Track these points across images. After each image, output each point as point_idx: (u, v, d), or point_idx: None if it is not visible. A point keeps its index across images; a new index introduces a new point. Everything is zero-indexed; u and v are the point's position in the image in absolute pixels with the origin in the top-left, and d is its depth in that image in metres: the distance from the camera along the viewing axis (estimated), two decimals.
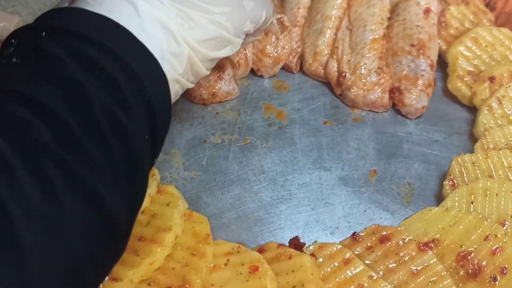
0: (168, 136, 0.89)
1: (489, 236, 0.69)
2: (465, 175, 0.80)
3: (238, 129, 0.92)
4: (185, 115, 0.94)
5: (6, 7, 1.11)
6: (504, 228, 0.71)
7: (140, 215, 0.73)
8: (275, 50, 0.96)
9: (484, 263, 0.68)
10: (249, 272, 0.66)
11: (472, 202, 0.75)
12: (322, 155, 0.88)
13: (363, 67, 0.91)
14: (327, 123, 0.93)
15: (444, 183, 0.80)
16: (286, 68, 1.00)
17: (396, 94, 0.91)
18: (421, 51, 0.91)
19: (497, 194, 0.74)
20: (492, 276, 0.67)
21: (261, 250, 0.72)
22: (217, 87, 0.92)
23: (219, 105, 0.95)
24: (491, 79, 0.90)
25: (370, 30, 0.93)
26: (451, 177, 0.80)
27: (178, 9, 0.57)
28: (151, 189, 0.76)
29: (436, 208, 0.74)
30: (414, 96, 0.90)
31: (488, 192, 0.75)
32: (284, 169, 0.87)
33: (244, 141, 0.90)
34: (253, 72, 1.00)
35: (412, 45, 0.93)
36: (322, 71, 0.96)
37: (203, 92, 0.91)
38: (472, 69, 0.93)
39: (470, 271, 0.67)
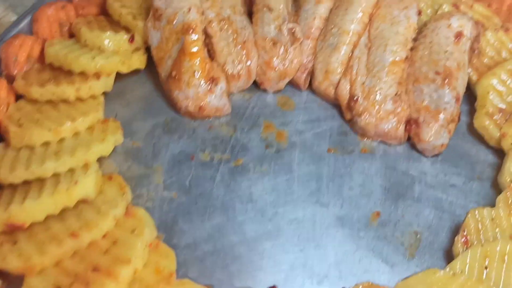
0: (153, 147, 0.81)
1: None
2: (481, 232, 0.68)
3: (231, 147, 0.83)
4: (175, 125, 0.85)
5: None
6: None
7: (101, 239, 0.65)
8: (282, 63, 0.86)
9: None
10: None
11: (486, 268, 0.63)
12: (320, 187, 0.78)
13: (378, 92, 0.81)
14: (332, 151, 0.83)
15: (456, 238, 0.69)
16: (293, 84, 0.90)
17: (413, 126, 0.80)
18: (447, 80, 0.79)
19: None
20: None
21: None
22: (206, 101, 0.82)
23: (214, 117, 0.86)
24: None
25: (391, 51, 0.82)
26: (465, 233, 0.69)
27: None
28: (118, 210, 0.67)
29: (442, 272, 0.63)
30: (433, 131, 0.78)
31: (506, 258, 0.63)
32: (275, 200, 0.77)
33: (236, 162, 0.81)
34: (256, 84, 0.90)
35: (437, 73, 0.81)
36: (333, 91, 0.86)
37: (190, 104, 0.82)
38: (504, 107, 0.81)
39: None
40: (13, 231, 0.65)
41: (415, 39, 0.85)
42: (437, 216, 0.75)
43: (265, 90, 0.90)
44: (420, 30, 0.86)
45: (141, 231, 0.64)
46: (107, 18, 0.94)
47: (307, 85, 0.90)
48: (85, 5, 0.95)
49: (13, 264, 0.62)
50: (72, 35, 0.91)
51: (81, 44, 0.87)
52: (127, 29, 0.90)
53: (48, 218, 0.66)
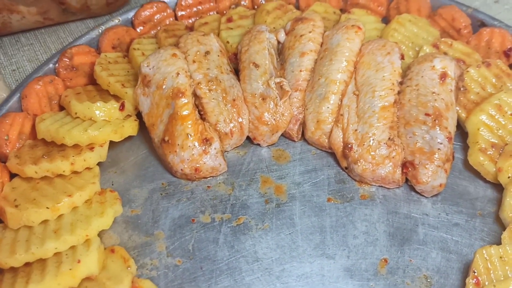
0: (152, 214, 0.81)
1: None
2: (491, 272, 0.68)
3: (231, 206, 0.82)
4: (173, 189, 0.84)
5: (24, 44, 1.09)
6: None
7: None
8: (274, 117, 0.87)
9: None
10: None
11: None
12: (325, 239, 0.77)
13: (371, 138, 0.81)
14: (331, 200, 0.82)
15: (467, 280, 0.69)
16: (286, 136, 0.91)
17: (410, 169, 0.80)
18: (437, 121, 0.81)
19: None
20: None
21: None
22: (201, 162, 0.82)
23: (211, 177, 0.86)
24: None
25: (380, 97, 0.84)
26: (475, 273, 0.68)
27: None
28: (123, 285, 0.65)
29: None
30: (430, 173, 0.79)
31: None
32: (281, 256, 0.76)
33: (237, 221, 0.80)
34: (250, 140, 0.91)
35: (427, 114, 0.83)
36: (326, 140, 0.87)
37: (185, 166, 0.82)
38: (496, 141, 0.83)
39: None
40: None
41: (401, 83, 0.87)
42: (445, 258, 0.75)
43: (259, 145, 0.90)
44: (405, 73, 0.88)
45: None
46: (96, 87, 0.95)
47: (300, 136, 0.91)
48: (73, 77, 0.96)
49: None
50: (62, 107, 0.92)
51: (72, 117, 0.87)
52: (116, 97, 0.90)
53: None
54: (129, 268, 0.69)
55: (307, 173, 0.86)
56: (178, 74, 0.85)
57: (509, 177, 0.79)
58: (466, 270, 0.72)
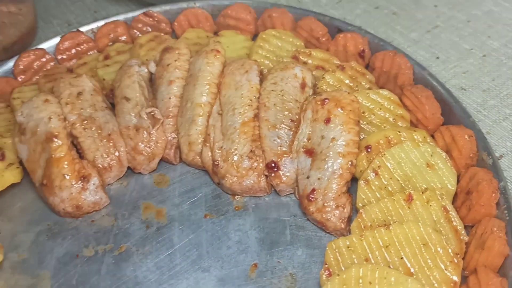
0: (38, 255, 0.84)
1: None
2: (340, 261, 0.75)
3: (114, 236, 0.87)
4: (58, 228, 0.88)
5: None
6: None
7: None
8: (148, 146, 0.92)
9: None
10: None
11: None
12: (201, 254, 0.83)
13: (234, 153, 0.88)
14: (208, 216, 0.88)
15: (321, 272, 0.75)
16: (165, 161, 0.96)
17: (275, 169, 0.86)
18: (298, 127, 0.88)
19: (370, 283, 0.69)
20: None
21: None
22: (81, 199, 0.87)
23: (94, 212, 0.90)
24: (367, 148, 0.87)
25: (239, 113, 0.90)
26: (327, 265, 0.75)
27: None
28: None
29: None
30: (292, 171, 0.86)
31: (361, 281, 0.69)
32: (159, 277, 0.81)
33: (119, 250, 0.85)
34: (132, 170, 0.95)
35: (292, 121, 0.90)
36: (200, 160, 0.92)
37: (66, 206, 0.86)
38: None
39: None
40: None
41: (263, 88, 0.92)
42: (309, 254, 0.81)
43: (140, 173, 0.95)
44: (266, 77, 0.94)
45: None
46: None
47: (178, 159, 0.96)
48: None
49: None
50: None
51: None
52: None
53: None
54: None
55: (186, 194, 0.92)
56: (50, 118, 0.90)
57: (361, 171, 0.86)
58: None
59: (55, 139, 0.88)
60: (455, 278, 0.70)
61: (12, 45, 1.18)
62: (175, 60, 0.99)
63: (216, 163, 0.89)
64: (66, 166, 0.87)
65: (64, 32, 1.14)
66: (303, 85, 0.93)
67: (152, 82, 1.02)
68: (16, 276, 0.82)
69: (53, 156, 0.87)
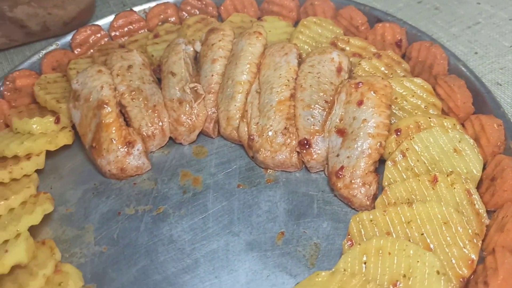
0: (84, 211, 0.92)
1: None
2: (363, 233, 0.79)
3: (153, 198, 0.93)
4: (103, 188, 0.96)
5: None
6: (396, 286, 0.70)
7: None
8: (190, 118, 0.99)
9: None
10: None
11: (364, 263, 0.73)
12: (232, 220, 0.89)
13: (269, 129, 0.93)
14: (241, 186, 0.94)
15: (343, 242, 0.79)
16: (205, 134, 1.03)
17: (307, 146, 0.91)
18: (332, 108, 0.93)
19: (390, 253, 0.73)
20: None
21: None
22: (126, 162, 0.94)
23: (137, 175, 0.97)
24: (397, 131, 0.90)
25: (276, 92, 0.95)
26: (349, 236, 0.79)
27: None
28: (47, 269, 0.77)
29: (323, 273, 0.73)
30: (323, 149, 0.90)
31: (380, 252, 0.73)
32: (193, 237, 0.87)
33: (157, 211, 0.91)
34: (173, 140, 1.02)
35: (326, 102, 0.94)
36: (237, 134, 0.98)
37: (112, 168, 0.94)
38: None
39: None
40: None
41: (301, 70, 0.97)
42: (334, 227, 0.86)
43: (181, 144, 1.02)
44: (305, 60, 0.99)
45: (67, 283, 0.74)
46: (38, 106, 1.07)
47: (216, 133, 1.02)
48: (17, 98, 1.08)
49: None
50: (7, 125, 1.04)
51: (14, 132, 0.99)
52: (54, 113, 1.02)
53: None
54: (53, 256, 0.80)
55: (221, 165, 0.98)
56: (102, 87, 0.97)
57: (389, 153, 0.89)
58: None
59: (106, 106, 0.95)
60: (473, 256, 0.73)
61: (71, 20, 1.27)
62: (220, 40, 1.05)
63: (251, 137, 0.94)
64: (114, 132, 0.94)
65: (119, 12, 1.22)
66: (339, 69, 0.98)
67: (197, 60, 1.08)
68: (64, 227, 0.90)
69: (103, 121, 0.95)
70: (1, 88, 1.08)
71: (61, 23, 1.27)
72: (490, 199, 0.81)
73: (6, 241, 0.81)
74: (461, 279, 0.72)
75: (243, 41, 1.02)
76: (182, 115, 0.99)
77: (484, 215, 0.79)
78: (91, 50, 1.18)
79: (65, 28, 1.29)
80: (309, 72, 0.97)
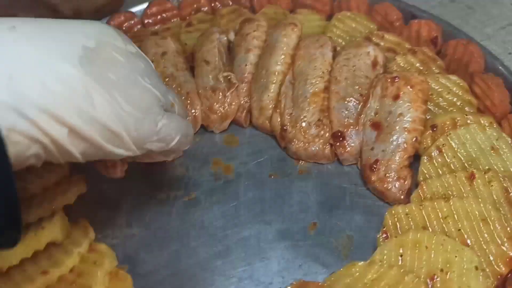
0: (116, 193, 0.93)
1: None
2: (398, 227, 0.78)
3: (185, 184, 0.94)
4: (135, 172, 0.96)
5: None
6: (431, 282, 0.69)
7: (68, 273, 0.75)
8: (222, 107, 0.99)
9: None
10: None
11: (401, 255, 0.73)
12: (264, 208, 0.89)
13: (303, 120, 0.93)
14: (272, 176, 0.94)
15: (378, 235, 0.79)
16: (236, 123, 1.03)
17: (340, 138, 0.91)
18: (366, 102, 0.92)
19: (427, 247, 0.72)
20: None
21: None
22: None
23: (168, 162, 0.98)
24: (433, 127, 0.89)
25: (311, 84, 0.95)
26: (384, 229, 0.79)
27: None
28: (82, 247, 0.77)
29: (360, 263, 0.72)
30: (357, 142, 0.90)
31: (417, 245, 0.73)
32: (224, 224, 0.87)
33: (189, 196, 0.92)
34: (205, 128, 1.02)
35: (361, 95, 0.94)
36: (269, 124, 0.98)
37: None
38: None
39: None
40: None
41: (336, 63, 0.97)
42: (367, 220, 0.85)
43: (212, 132, 1.02)
44: (340, 52, 0.99)
45: (102, 262, 0.75)
46: None
47: (248, 122, 1.02)
48: None
49: None
50: None
51: None
52: None
53: (23, 260, 0.76)
54: (88, 235, 0.80)
55: (253, 154, 0.98)
56: None
57: (424, 148, 0.89)
58: None
59: None
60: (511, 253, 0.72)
61: (103, 7, 1.28)
62: (254, 31, 1.05)
63: (284, 128, 0.94)
64: None
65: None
66: (374, 63, 0.97)
67: (230, 50, 1.09)
68: (96, 209, 0.91)
69: None
70: None
71: (93, 9, 1.27)
72: None
73: (40, 219, 0.81)
74: (498, 276, 0.71)
75: (278, 31, 1.02)
76: (215, 103, 0.99)
77: None
78: None
79: (96, 14, 1.29)
80: (344, 65, 0.96)
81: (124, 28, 1.18)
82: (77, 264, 0.76)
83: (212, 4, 1.22)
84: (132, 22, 1.19)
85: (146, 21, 1.20)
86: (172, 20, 1.21)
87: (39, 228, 0.77)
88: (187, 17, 1.21)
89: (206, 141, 1.01)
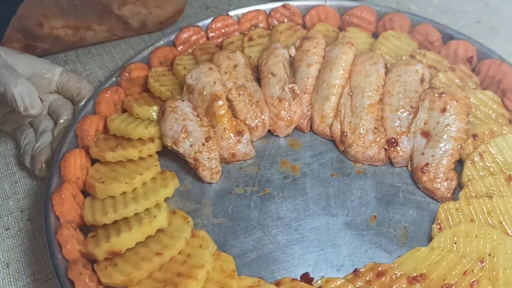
0: (199, 188, 1.08)
1: (467, 271, 0.83)
2: (450, 219, 0.94)
3: (258, 181, 1.09)
4: None
5: (95, 54, 1.42)
6: (482, 264, 0.85)
7: (178, 255, 0.89)
8: (288, 114, 1.14)
9: None
10: None
11: (455, 243, 0.89)
12: (330, 203, 1.04)
13: (361, 128, 1.08)
14: (334, 175, 1.09)
15: (433, 226, 0.95)
16: (298, 129, 1.18)
17: (394, 144, 1.06)
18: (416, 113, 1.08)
19: (476, 236, 0.88)
20: None
21: (277, 284, 0.87)
22: (236, 149, 1.09)
23: (243, 161, 1.12)
24: (474, 136, 1.05)
25: (368, 96, 1.10)
26: (438, 221, 0.94)
27: None
28: (186, 233, 0.92)
29: (424, 248, 0.88)
30: (409, 147, 1.06)
31: (469, 234, 0.89)
32: (297, 216, 1.02)
33: (264, 192, 1.06)
34: (270, 132, 1.17)
35: (412, 107, 1.09)
36: (329, 131, 1.13)
37: (224, 152, 1.09)
38: None
39: None
40: (113, 256, 0.90)
41: (388, 79, 1.12)
42: (419, 214, 1.01)
43: (277, 136, 1.17)
44: (391, 69, 1.14)
45: (207, 245, 0.89)
46: (149, 94, 1.21)
47: (309, 128, 1.17)
48: (131, 87, 1.23)
49: (118, 279, 0.86)
50: (124, 110, 1.19)
51: (134, 117, 1.14)
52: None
53: (136, 244, 0.91)
54: (188, 223, 0.95)
55: (315, 156, 1.13)
56: (214, 83, 1.12)
57: (466, 154, 1.05)
58: (433, 221, 0.98)
59: (219, 99, 1.11)
60: None
61: (166, 20, 1.42)
62: (314, 47, 1.20)
63: (345, 134, 1.09)
64: (226, 122, 1.09)
65: (203, 13, 1.37)
66: (422, 79, 1.13)
67: (290, 63, 1.23)
68: (183, 201, 1.05)
69: (217, 113, 1.10)
70: (118, 78, 1.23)
71: (157, 22, 1.42)
72: None
73: (148, 210, 0.96)
74: None
75: (337, 49, 1.17)
76: (282, 111, 1.14)
77: None
78: (191, 48, 1.32)
79: (159, 26, 1.44)
80: (397, 81, 1.12)
81: (191, 41, 1.32)
82: (184, 248, 0.90)
83: (268, 20, 1.37)
84: (199, 35, 1.33)
85: (210, 35, 1.34)
86: (234, 34, 1.35)
87: (152, 217, 0.92)
88: (246, 32, 1.35)
89: (273, 144, 1.16)
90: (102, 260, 0.90)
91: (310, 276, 0.90)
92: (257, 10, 1.36)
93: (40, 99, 1.10)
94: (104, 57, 1.43)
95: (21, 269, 1.02)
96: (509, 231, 0.90)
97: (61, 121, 1.19)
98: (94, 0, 1.29)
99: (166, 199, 1.03)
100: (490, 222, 0.92)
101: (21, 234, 1.08)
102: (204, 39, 1.34)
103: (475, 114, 1.10)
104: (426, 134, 1.05)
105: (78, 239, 0.93)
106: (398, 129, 1.08)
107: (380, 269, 0.87)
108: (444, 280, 0.83)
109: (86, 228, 0.97)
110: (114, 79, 1.23)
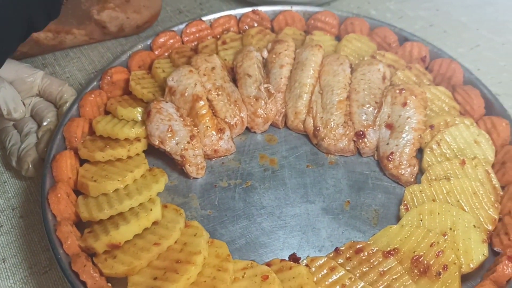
0: (185, 183, 1.15)
1: (433, 243, 0.95)
2: (415, 200, 1.06)
3: (240, 174, 1.17)
4: None
5: (73, 57, 1.46)
6: (445, 237, 0.97)
7: (175, 244, 0.96)
8: (265, 112, 1.23)
9: (431, 263, 0.93)
10: (262, 281, 0.90)
11: (421, 220, 1.01)
12: (307, 191, 1.14)
13: (332, 122, 1.19)
14: (309, 166, 1.19)
15: (400, 207, 1.07)
16: (274, 125, 1.27)
17: (362, 136, 1.17)
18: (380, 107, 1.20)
19: (439, 213, 1.01)
20: (437, 272, 0.92)
21: (268, 264, 0.96)
22: (218, 145, 1.17)
23: (225, 156, 1.20)
24: (431, 126, 1.18)
25: (337, 94, 1.21)
26: (405, 202, 1.07)
27: None
28: (180, 224, 0.99)
29: (395, 226, 1.00)
30: (375, 138, 1.18)
31: (432, 212, 1.01)
32: (279, 204, 1.11)
33: (246, 184, 1.15)
34: (248, 129, 1.26)
35: (376, 103, 1.21)
36: (302, 126, 1.23)
37: (207, 149, 1.17)
38: None
39: (421, 270, 0.93)
40: (111, 249, 0.96)
41: (353, 78, 1.24)
42: (387, 197, 1.12)
43: (255, 132, 1.26)
44: (356, 69, 1.26)
45: (201, 233, 0.97)
46: (130, 97, 1.27)
47: (283, 124, 1.27)
48: (112, 90, 1.28)
49: (120, 269, 0.92)
50: (106, 112, 1.24)
51: (119, 118, 1.20)
52: (147, 103, 1.23)
53: (134, 237, 0.97)
54: (181, 214, 1.02)
55: (290, 150, 1.23)
56: (195, 84, 1.20)
57: (425, 142, 1.18)
58: (400, 203, 1.09)
59: (200, 100, 1.18)
60: (496, 216, 1.02)
61: (143, 24, 1.48)
62: (285, 50, 1.29)
63: (317, 128, 1.20)
64: (208, 120, 1.17)
65: (176, 17, 1.44)
66: (384, 77, 1.25)
67: (264, 65, 1.33)
68: (172, 195, 1.12)
69: (198, 112, 1.17)
70: (100, 82, 1.27)
71: (134, 26, 1.47)
72: (502, 177, 1.10)
73: (141, 204, 1.02)
74: (487, 232, 1.01)
75: (307, 51, 1.28)
76: (258, 109, 1.23)
77: (499, 188, 1.08)
78: (167, 52, 1.39)
79: (136, 30, 1.49)
80: (362, 79, 1.24)
81: (168, 45, 1.39)
82: (180, 237, 0.98)
83: (239, 25, 1.46)
84: (174, 39, 1.39)
85: (185, 39, 1.41)
86: (207, 38, 1.43)
87: (148, 210, 0.98)
88: (218, 36, 1.43)
89: (251, 140, 1.25)
90: (101, 253, 0.96)
91: (297, 256, 0.99)
92: (228, 15, 1.45)
93: (23, 103, 1.14)
94: (83, 60, 1.47)
95: (17, 264, 1.06)
96: (465, 208, 1.03)
97: (45, 123, 1.22)
98: (75, 5, 1.33)
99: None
100: (449, 201, 1.05)
101: (14, 231, 1.11)
102: (179, 43, 1.41)
103: (431, 107, 1.24)
104: (390, 126, 1.18)
105: (76, 235, 0.98)
106: (365, 122, 1.19)
107: (358, 246, 0.97)
108: (414, 252, 0.95)
109: (80, 225, 1.02)
110: (95, 82, 1.27)
